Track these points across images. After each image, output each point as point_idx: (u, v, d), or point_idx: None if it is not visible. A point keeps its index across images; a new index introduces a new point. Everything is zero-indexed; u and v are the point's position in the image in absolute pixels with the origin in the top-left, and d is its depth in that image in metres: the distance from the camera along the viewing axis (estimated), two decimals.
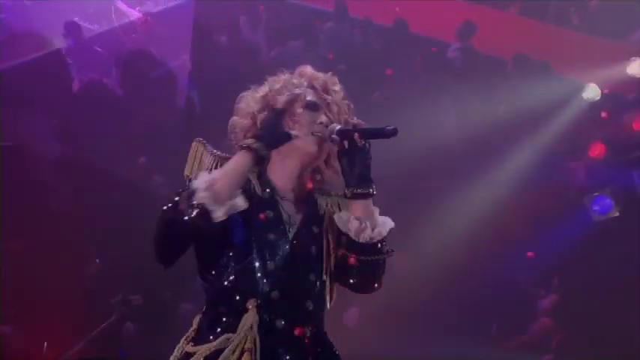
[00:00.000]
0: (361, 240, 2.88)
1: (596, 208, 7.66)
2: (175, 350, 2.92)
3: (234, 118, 3.03)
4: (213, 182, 2.75)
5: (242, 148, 2.85)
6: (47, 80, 9.20)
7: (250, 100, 3.01)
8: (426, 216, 7.77)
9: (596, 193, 7.73)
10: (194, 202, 2.71)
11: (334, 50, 9.69)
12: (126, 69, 9.55)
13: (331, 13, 10.42)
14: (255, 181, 2.95)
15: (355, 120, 2.93)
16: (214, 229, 2.76)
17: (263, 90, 3.01)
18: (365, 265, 2.91)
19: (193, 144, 2.97)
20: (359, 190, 2.87)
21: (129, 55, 9.72)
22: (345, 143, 2.87)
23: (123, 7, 10.63)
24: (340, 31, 9.88)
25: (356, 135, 2.85)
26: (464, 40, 9.71)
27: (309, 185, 3.04)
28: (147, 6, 10.71)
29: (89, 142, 8.60)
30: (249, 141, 2.87)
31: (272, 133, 2.88)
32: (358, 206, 2.89)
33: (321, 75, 3.03)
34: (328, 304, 2.99)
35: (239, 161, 2.83)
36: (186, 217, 2.71)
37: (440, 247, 7.72)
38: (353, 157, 2.86)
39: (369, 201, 2.90)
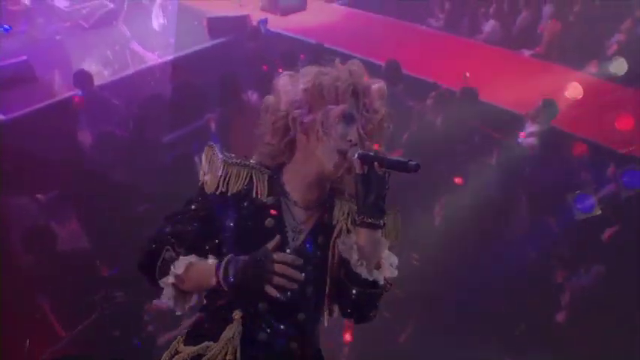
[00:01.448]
0: (358, 272, 2.79)
1: (579, 206, 7.40)
2: (171, 346, 2.94)
3: (270, 97, 2.89)
4: (181, 281, 2.78)
5: (216, 279, 2.74)
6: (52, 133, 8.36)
7: (290, 88, 2.85)
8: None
9: (578, 192, 7.43)
10: (161, 284, 2.81)
11: None
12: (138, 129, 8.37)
13: (382, 68, 8.90)
14: (262, 185, 2.87)
15: (385, 135, 2.87)
16: (208, 242, 2.85)
17: (306, 81, 2.82)
18: (360, 295, 2.82)
19: (205, 148, 2.90)
20: (369, 220, 2.78)
21: (142, 115, 8.47)
22: (365, 168, 2.76)
23: (139, 49, 9.43)
24: (392, 96, 8.19)
25: (376, 163, 2.74)
26: (544, 122, 7.87)
27: (326, 192, 2.93)
28: (166, 51, 9.45)
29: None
30: (223, 279, 2.72)
31: (247, 289, 2.70)
32: (365, 234, 2.80)
33: (368, 82, 2.86)
34: (325, 320, 2.94)
35: (206, 281, 2.77)
36: (157, 278, 2.82)
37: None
38: (369, 184, 2.76)
39: (378, 232, 2.80)
